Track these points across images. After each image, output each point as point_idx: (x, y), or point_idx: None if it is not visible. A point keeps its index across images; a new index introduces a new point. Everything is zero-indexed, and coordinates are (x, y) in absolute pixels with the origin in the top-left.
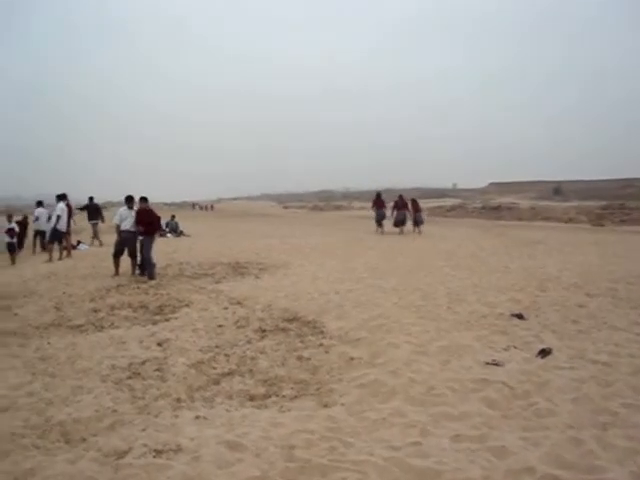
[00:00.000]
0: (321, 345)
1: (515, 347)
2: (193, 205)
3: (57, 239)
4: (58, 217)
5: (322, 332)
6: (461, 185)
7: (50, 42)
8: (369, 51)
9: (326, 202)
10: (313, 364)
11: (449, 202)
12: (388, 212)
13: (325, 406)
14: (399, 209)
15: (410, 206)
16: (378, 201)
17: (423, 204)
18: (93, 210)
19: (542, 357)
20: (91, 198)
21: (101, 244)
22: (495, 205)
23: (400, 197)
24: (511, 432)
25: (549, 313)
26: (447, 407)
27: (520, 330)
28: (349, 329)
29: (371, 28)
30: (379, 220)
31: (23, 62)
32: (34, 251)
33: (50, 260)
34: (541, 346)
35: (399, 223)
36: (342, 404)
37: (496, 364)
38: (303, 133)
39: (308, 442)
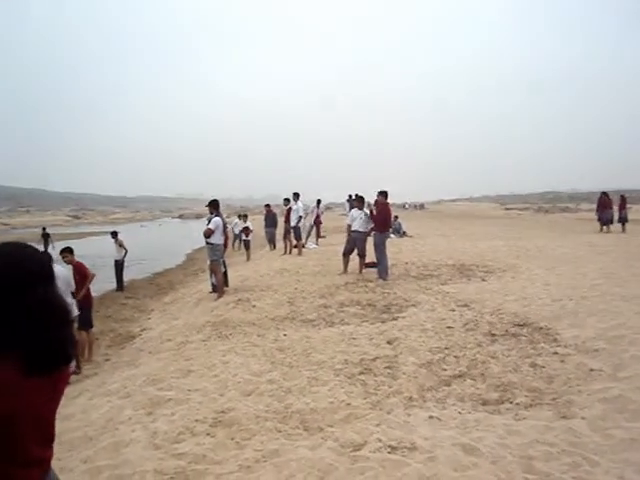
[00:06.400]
0: (556, 353)
1: None
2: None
3: (298, 236)
4: (300, 217)
5: (556, 340)
6: None
7: None
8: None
9: (551, 204)
10: (548, 373)
11: None
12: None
13: (564, 418)
14: (605, 208)
15: (618, 203)
16: (603, 201)
17: None
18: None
19: None
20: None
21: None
22: None
23: (605, 195)
24: None
25: None
26: None
27: None
28: (586, 338)
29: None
30: (602, 220)
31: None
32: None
33: (300, 254)
34: None
35: (606, 222)
36: (583, 417)
37: None
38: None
39: (547, 454)
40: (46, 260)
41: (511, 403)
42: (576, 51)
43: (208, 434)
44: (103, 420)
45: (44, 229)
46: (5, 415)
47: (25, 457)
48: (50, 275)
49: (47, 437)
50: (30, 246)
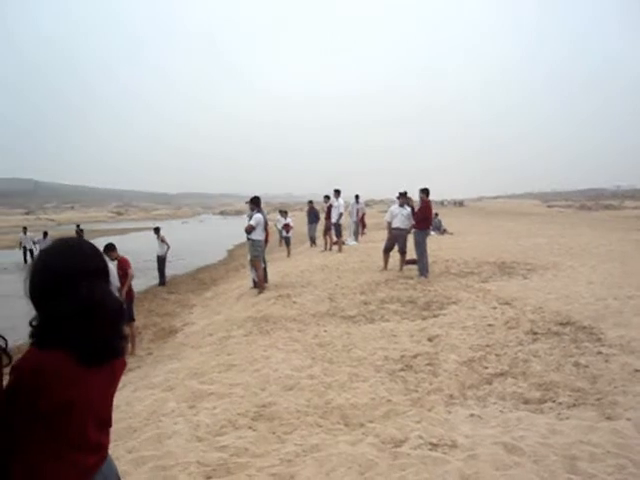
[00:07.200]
0: (600, 353)
1: None
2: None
3: (338, 233)
4: (341, 214)
5: (599, 339)
6: None
7: None
8: None
9: (594, 201)
10: (591, 372)
11: None
12: None
13: (608, 419)
14: None
15: None
16: None
17: None
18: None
19: None
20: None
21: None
22: None
23: None
24: None
25: None
26: None
27: None
28: (631, 338)
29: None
30: None
31: None
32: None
33: (340, 251)
34: None
35: None
36: (628, 419)
37: None
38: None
39: (592, 455)
40: (95, 256)
41: (554, 402)
42: (613, 45)
43: (250, 428)
44: (146, 412)
45: (78, 226)
46: (65, 402)
47: (82, 441)
48: (98, 272)
49: (104, 422)
50: (80, 242)
